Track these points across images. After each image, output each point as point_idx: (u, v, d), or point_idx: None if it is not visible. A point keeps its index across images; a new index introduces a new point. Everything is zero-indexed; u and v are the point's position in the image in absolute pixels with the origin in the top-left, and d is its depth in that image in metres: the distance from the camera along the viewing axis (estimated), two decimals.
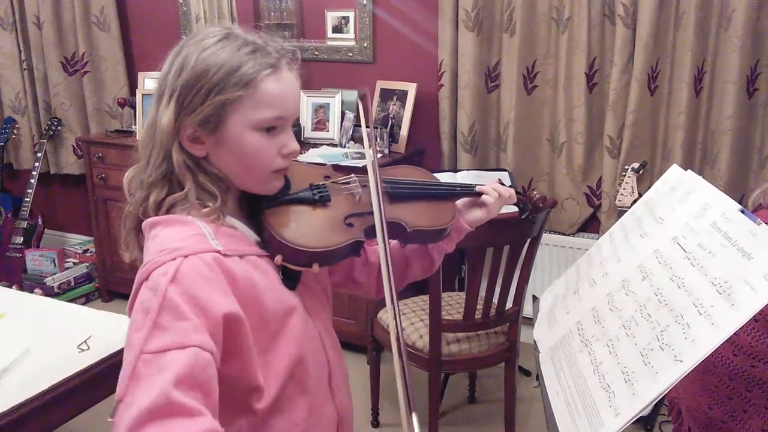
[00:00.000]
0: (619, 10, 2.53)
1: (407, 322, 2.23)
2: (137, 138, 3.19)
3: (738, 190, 2.57)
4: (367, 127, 1.11)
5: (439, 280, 2.02)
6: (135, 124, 3.30)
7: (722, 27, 2.45)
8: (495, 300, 2.10)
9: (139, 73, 3.48)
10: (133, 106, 3.34)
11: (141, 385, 0.78)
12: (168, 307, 0.81)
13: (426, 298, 2.26)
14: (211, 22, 3.37)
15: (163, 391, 0.76)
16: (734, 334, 1.22)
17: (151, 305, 0.82)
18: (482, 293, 2.09)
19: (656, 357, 0.79)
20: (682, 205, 0.97)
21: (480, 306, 2.11)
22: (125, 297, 3.21)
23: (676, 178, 1.05)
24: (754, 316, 1.19)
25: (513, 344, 2.19)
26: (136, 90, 3.35)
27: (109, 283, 3.50)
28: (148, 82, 3.39)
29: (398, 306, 0.98)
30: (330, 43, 3.14)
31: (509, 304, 2.15)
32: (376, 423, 2.49)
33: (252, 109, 0.91)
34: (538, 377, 1.05)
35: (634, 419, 0.79)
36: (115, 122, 3.56)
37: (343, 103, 3.08)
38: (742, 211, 0.84)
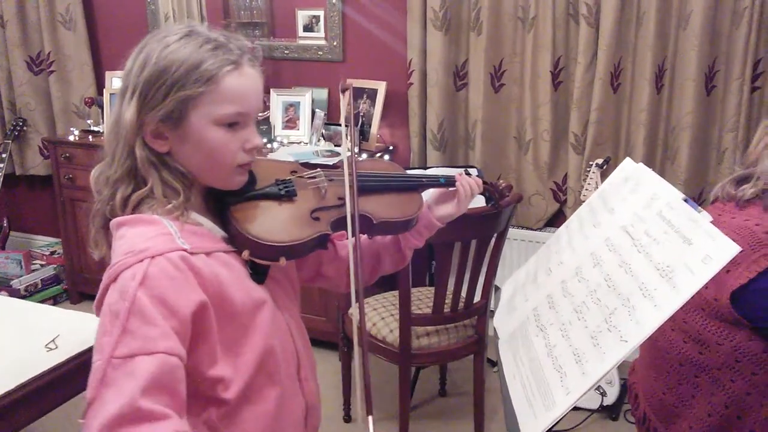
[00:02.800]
0: (582, 10, 2.59)
1: (378, 317, 2.26)
2: (103, 138, 3.16)
3: (697, 184, 2.65)
4: (347, 125, 1.12)
5: (409, 274, 2.05)
6: (103, 124, 3.27)
7: (681, 27, 2.53)
8: (463, 294, 2.14)
9: (106, 73, 3.45)
10: (101, 106, 3.30)
11: (110, 391, 0.80)
12: (137, 311, 0.83)
13: (396, 293, 2.29)
14: (180, 21, 3.36)
15: (131, 398, 0.79)
16: (684, 322, 1.30)
17: (120, 309, 0.84)
18: (452, 287, 2.13)
19: (604, 338, 0.83)
20: (632, 195, 1.01)
21: (449, 300, 2.15)
22: (94, 298, 3.19)
23: (627, 170, 1.10)
24: (701, 305, 1.26)
25: (481, 337, 2.23)
26: (104, 89, 3.32)
27: (78, 284, 3.46)
28: (116, 81, 3.36)
29: (363, 304, 1.01)
30: (300, 42, 3.15)
31: (477, 298, 2.19)
32: (348, 418, 2.51)
33: (214, 104, 0.93)
34: (497, 362, 1.09)
35: (583, 397, 0.83)
36: (83, 122, 3.52)
37: (313, 101, 3.09)
38: (686, 200, 0.89)
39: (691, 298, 1.25)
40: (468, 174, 1.24)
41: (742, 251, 1.20)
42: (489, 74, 2.81)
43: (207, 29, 0.96)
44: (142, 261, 0.86)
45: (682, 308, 1.28)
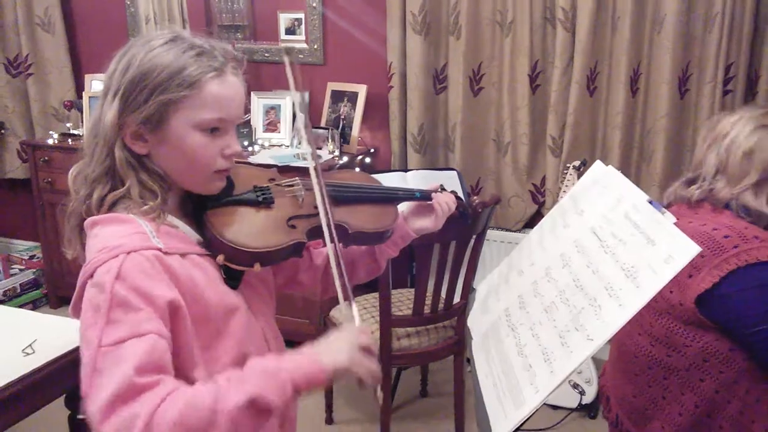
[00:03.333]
0: (559, 15, 2.63)
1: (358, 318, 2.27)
2: (83, 141, 3.14)
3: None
4: (297, 89, 1.13)
5: (389, 277, 2.07)
6: (82, 127, 3.25)
7: (655, 31, 2.58)
8: (443, 295, 2.16)
9: (85, 76, 3.42)
10: (80, 109, 3.28)
11: (104, 376, 0.82)
12: (117, 302, 0.85)
13: (377, 295, 2.30)
14: (161, 24, 3.35)
15: (125, 377, 0.81)
16: (650, 325, 1.32)
17: (100, 302, 0.85)
18: (432, 289, 2.15)
19: (572, 338, 0.85)
20: (601, 197, 1.04)
21: (429, 301, 2.17)
22: None
23: (597, 173, 1.13)
24: (667, 310, 1.29)
25: (462, 337, 2.26)
26: (83, 92, 3.30)
27: (58, 288, 3.43)
28: (96, 84, 3.34)
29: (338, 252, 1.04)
30: (282, 45, 3.16)
31: (457, 299, 2.22)
32: (330, 420, 2.52)
33: (195, 109, 0.94)
34: (470, 361, 1.11)
35: (551, 394, 0.85)
36: (62, 125, 3.49)
37: (294, 104, 3.10)
38: (650, 202, 0.92)
39: (657, 303, 1.29)
40: (443, 190, 1.26)
41: (703, 257, 1.24)
42: (468, 78, 2.84)
43: (191, 35, 0.98)
44: (116, 257, 0.87)
45: (648, 312, 1.32)
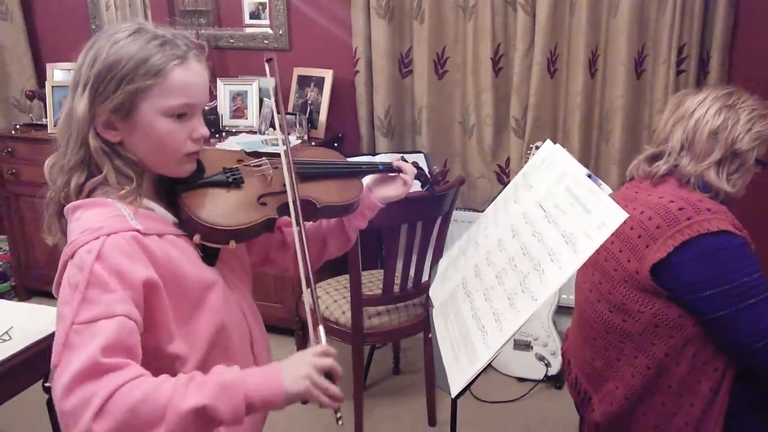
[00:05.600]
0: None
1: (330, 299, 2.33)
2: (49, 131, 3.12)
3: (631, 163, 2.79)
4: (279, 112, 1.18)
5: (358, 257, 2.12)
6: (46, 117, 3.22)
7: (612, 13, 2.66)
8: (412, 274, 2.23)
9: (47, 64, 3.37)
10: (43, 99, 3.24)
11: (73, 353, 0.86)
12: (95, 282, 0.89)
13: (348, 276, 2.36)
14: (122, 10, 3.32)
15: (91, 355, 0.85)
16: (609, 293, 1.42)
17: (79, 280, 0.90)
18: (401, 268, 2.21)
19: (519, 299, 0.93)
20: (547, 173, 1.12)
21: (398, 281, 2.23)
22: (44, 294, 3.13)
23: (546, 151, 1.21)
24: (624, 278, 1.38)
25: (430, 314, 2.32)
26: (45, 82, 3.25)
27: (26, 281, 3.40)
28: (58, 73, 3.30)
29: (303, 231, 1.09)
30: (247, 30, 3.16)
31: (425, 278, 2.28)
32: (304, 401, 2.57)
33: (162, 96, 0.99)
34: (429, 324, 1.19)
35: (502, 349, 0.93)
36: (24, 115, 3.45)
37: (260, 90, 3.11)
38: (589, 176, 1.00)
39: (616, 272, 1.38)
40: (404, 160, 1.32)
41: (659, 227, 1.32)
42: (432, 61, 2.89)
43: (154, 26, 1.02)
44: (98, 238, 0.92)
45: (607, 281, 1.41)
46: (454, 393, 0.94)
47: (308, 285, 1.06)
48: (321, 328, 1.02)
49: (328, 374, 0.97)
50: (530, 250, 0.99)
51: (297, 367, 0.95)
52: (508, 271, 0.99)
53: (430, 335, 1.07)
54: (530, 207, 1.08)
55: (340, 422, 0.96)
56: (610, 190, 0.95)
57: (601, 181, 0.96)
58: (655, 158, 1.46)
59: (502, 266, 1.02)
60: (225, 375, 0.92)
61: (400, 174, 1.30)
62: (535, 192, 1.11)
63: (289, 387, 0.93)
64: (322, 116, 3.01)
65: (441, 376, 0.99)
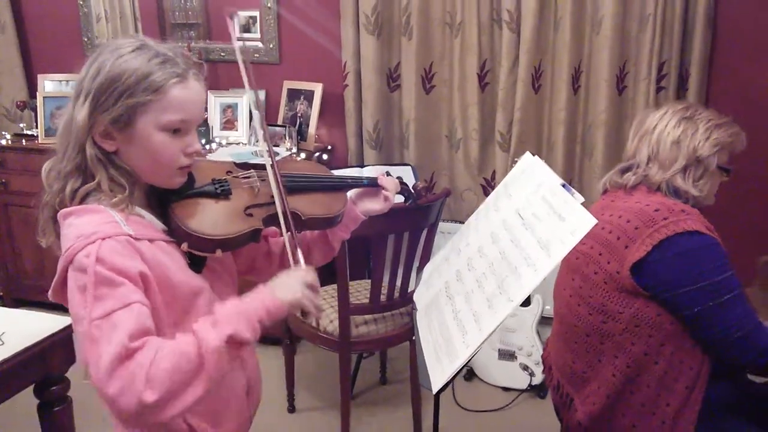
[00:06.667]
0: (505, 16, 2.77)
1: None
2: (39, 141, 3.14)
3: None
4: (252, 89, 1.21)
5: (346, 267, 2.16)
6: (36, 127, 3.24)
7: (594, 31, 2.74)
8: (398, 284, 2.27)
9: (38, 76, 3.40)
10: (34, 109, 3.27)
11: (101, 344, 0.92)
12: (100, 281, 0.95)
13: (336, 286, 2.39)
14: (113, 22, 3.36)
15: (120, 343, 0.92)
16: (589, 296, 1.47)
17: (86, 282, 0.95)
18: (387, 278, 2.25)
19: (497, 301, 0.99)
20: (526, 183, 1.19)
21: (385, 290, 2.27)
22: (33, 304, 3.13)
23: (525, 162, 1.27)
24: (605, 280, 1.44)
25: (414, 317, 2.36)
26: (37, 92, 3.28)
27: (13, 291, 3.40)
28: (49, 84, 3.33)
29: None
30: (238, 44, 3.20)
31: (412, 287, 2.32)
32: (292, 409, 2.60)
33: (160, 112, 1.04)
34: (414, 330, 1.24)
35: (480, 347, 0.97)
36: (15, 126, 3.47)
37: (250, 102, 3.16)
38: (564, 185, 1.06)
39: (596, 275, 1.44)
40: (388, 174, 1.37)
41: (637, 228, 1.39)
42: (420, 76, 2.96)
43: (156, 44, 1.07)
44: (94, 242, 0.97)
45: (587, 285, 1.47)
46: (435, 389, 0.99)
47: (287, 225, 1.14)
48: (299, 252, 1.12)
49: (312, 288, 1.09)
50: (508, 256, 1.05)
51: (288, 282, 1.08)
52: (488, 275, 1.05)
53: (413, 338, 1.11)
54: (509, 215, 1.14)
55: (320, 324, 1.08)
56: (582, 199, 1.01)
57: (574, 191, 1.02)
58: (625, 171, 1.54)
59: (482, 271, 1.07)
60: (234, 305, 1.02)
61: (383, 191, 1.34)
62: (514, 201, 1.17)
63: (286, 299, 1.05)
64: (312, 129, 3.06)
65: (423, 374, 1.04)
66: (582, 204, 1.00)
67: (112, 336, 0.92)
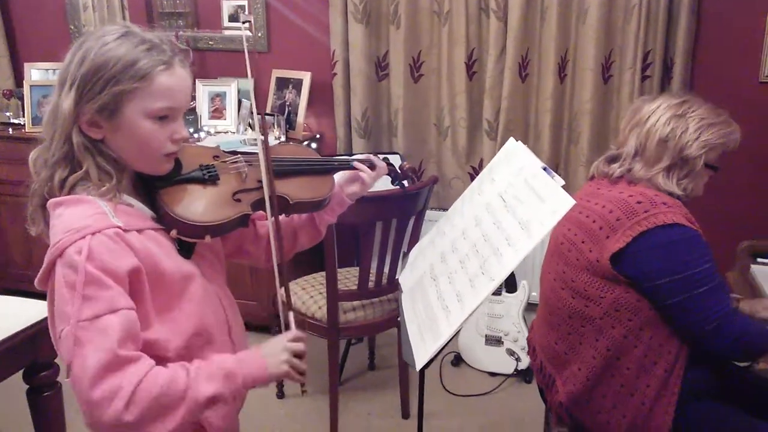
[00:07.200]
0: (492, 5, 2.79)
1: (307, 295, 2.38)
2: (26, 130, 3.13)
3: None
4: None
5: (334, 253, 2.18)
6: (23, 116, 3.22)
7: (580, 21, 2.76)
8: (386, 270, 2.29)
9: (25, 64, 3.38)
10: (21, 98, 3.25)
11: (87, 348, 0.93)
12: (90, 281, 0.95)
13: (324, 273, 2.41)
14: (100, 11, 3.34)
15: (110, 350, 0.93)
16: (572, 281, 1.50)
17: (75, 280, 0.95)
18: (375, 265, 2.27)
19: (479, 281, 1.02)
20: (508, 167, 1.21)
21: (373, 276, 2.29)
22: (19, 293, 3.13)
23: (509, 147, 1.30)
24: (586, 266, 1.47)
25: (399, 298, 2.39)
26: (23, 81, 3.26)
27: (0, 280, 3.39)
28: (35, 73, 3.31)
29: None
30: (226, 32, 3.20)
31: (399, 273, 2.34)
32: (281, 394, 2.63)
33: (146, 99, 1.04)
34: (399, 311, 1.27)
35: (463, 324, 1.00)
36: (1, 115, 3.44)
37: (239, 91, 3.16)
38: (545, 169, 1.09)
39: (579, 261, 1.47)
40: (376, 155, 1.39)
41: (618, 219, 1.41)
42: (408, 65, 2.97)
43: (141, 31, 1.07)
44: (84, 237, 0.97)
45: (571, 270, 1.50)
46: (418, 366, 1.02)
47: (282, 283, 1.17)
48: (291, 315, 1.14)
49: (299, 355, 1.14)
50: (490, 237, 1.08)
51: (277, 353, 1.12)
52: (471, 256, 1.08)
53: (399, 318, 1.14)
54: (492, 198, 1.17)
55: (304, 393, 1.21)
56: (563, 182, 1.04)
57: (554, 174, 1.05)
58: (612, 160, 1.55)
59: (465, 252, 1.10)
60: (226, 364, 1.07)
61: (359, 172, 1.35)
62: (497, 184, 1.20)
63: (272, 371, 1.11)
64: (300, 117, 3.07)
65: (408, 352, 1.06)
66: (563, 187, 1.02)
67: (101, 341, 0.93)
